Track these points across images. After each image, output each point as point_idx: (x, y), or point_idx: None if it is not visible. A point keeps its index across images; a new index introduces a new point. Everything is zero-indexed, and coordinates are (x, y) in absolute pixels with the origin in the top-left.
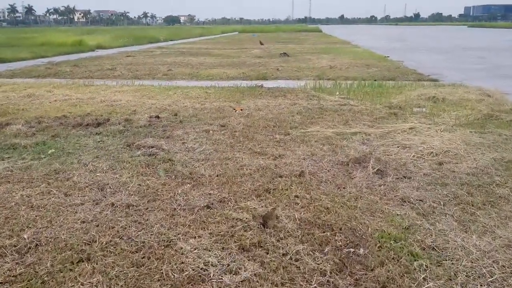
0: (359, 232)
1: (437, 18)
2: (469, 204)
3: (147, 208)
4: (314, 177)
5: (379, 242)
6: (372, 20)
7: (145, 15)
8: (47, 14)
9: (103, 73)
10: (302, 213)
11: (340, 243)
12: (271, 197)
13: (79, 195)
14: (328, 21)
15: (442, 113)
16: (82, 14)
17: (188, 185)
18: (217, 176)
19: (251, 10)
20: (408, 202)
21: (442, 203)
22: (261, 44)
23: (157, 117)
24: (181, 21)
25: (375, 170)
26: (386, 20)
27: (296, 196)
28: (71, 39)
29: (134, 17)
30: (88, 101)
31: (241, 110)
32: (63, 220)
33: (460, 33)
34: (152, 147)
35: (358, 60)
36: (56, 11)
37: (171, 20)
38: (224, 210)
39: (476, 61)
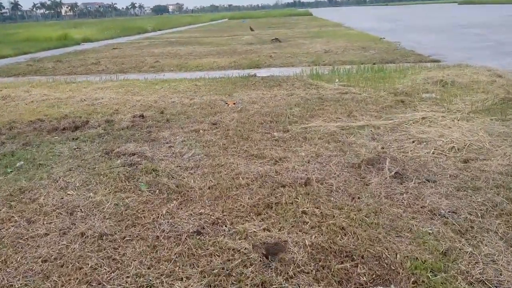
0: (386, 261)
1: None
2: None
3: (124, 238)
4: (322, 185)
5: (413, 275)
6: (361, 2)
7: (133, 5)
8: (34, 9)
9: (87, 68)
10: (313, 236)
11: (365, 278)
12: (273, 215)
13: (45, 222)
14: (317, 4)
15: (454, 99)
16: (69, 8)
17: (175, 202)
18: (209, 188)
19: None
20: (439, 215)
21: (480, 215)
22: (252, 30)
23: (142, 116)
24: (170, 10)
25: (393, 173)
26: (376, 0)
27: (304, 213)
28: (56, 34)
29: (122, 8)
30: (67, 100)
31: (234, 104)
32: (20, 260)
33: (452, 11)
34: (134, 154)
35: (354, 42)
36: (42, 5)
37: (159, 10)
38: (218, 237)
39: (476, 38)
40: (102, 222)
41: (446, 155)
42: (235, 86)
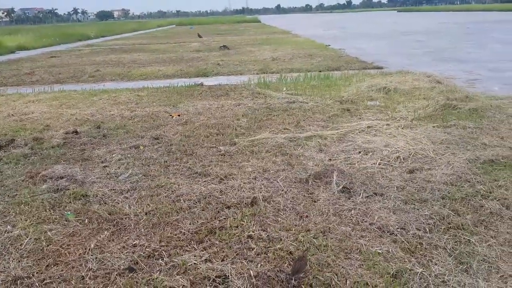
0: None
1: (368, 4)
2: (460, 227)
3: (43, 280)
4: (269, 204)
5: None
6: (307, 9)
7: (75, 11)
8: None
9: (19, 78)
10: (259, 264)
11: None
12: (217, 242)
13: None
14: (265, 11)
15: (398, 106)
16: (5, 13)
17: (106, 232)
18: (146, 214)
19: (188, 2)
20: (388, 232)
21: (428, 230)
22: (200, 37)
23: (75, 132)
24: (115, 16)
25: (341, 187)
26: (321, 8)
27: (250, 237)
28: None
29: (64, 13)
30: None
31: (179, 115)
32: None
33: (392, 18)
34: (62, 177)
35: (300, 50)
36: None
37: (104, 16)
38: (153, 273)
39: (416, 45)
40: (18, 262)
41: (392, 166)
42: (180, 96)
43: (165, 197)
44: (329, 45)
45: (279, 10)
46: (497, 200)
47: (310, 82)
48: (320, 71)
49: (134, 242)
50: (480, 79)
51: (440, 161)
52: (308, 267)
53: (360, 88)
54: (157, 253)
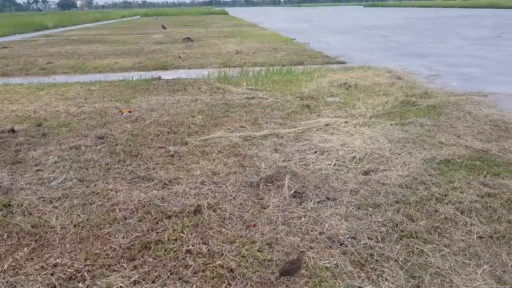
0: None
1: None
2: (413, 236)
3: None
4: (215, 212)
5: None
6: (276, 2)
7: (35, 0)
8: None
9: None
10: (195, 286)
11: None
12: (150, 259)
13: None
14: (234, 3)
15: (357, 102)
16: None
17: (26, 249)
18: (75, 227)
19: None
20: (338, 242)
21: (380, 239)
22: (164, 28)
23: (12, 131)
24: (78, 5)
25: (292, 191)
26: (289, 2)
27: (189, 252)
28: None
29: (24, 2)
30: None
31: (129, 112)
32: None
33: (358, 13)
34: None
35: (266, 43)
36: None
37: (66, 5)
38: None
39: (380, 40)
40: None
41: (347, 167)
42: (134, 91)
43: (99, 206)
44: (294, 39)
45: (248, 2)
46: (452, 204)
47: (272, 77)
48: (284, 66)
49: (56, 261)
50: (439, 74)
51: (396, 161)
52: (301, 270)
53: (321, 84)
54: (79, 274)
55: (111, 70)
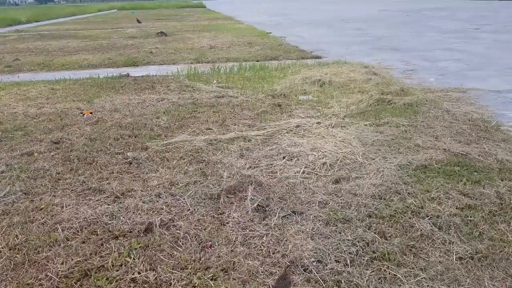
0: None
1: None
2: (385, 258)
3: None
4: (168, 230)
5: None
6: None
7: None
8: None
9: None
10: None
11: None
12: None
13: None
14: None
15: (331, 101)
16: None
17: None
18: (10, 250)
19: None
20: (302, 266)
21: (349, 262)
22: (139, 22)
23: None
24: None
25: (255, 205)
26: None
27: (134, 281)
28: None
29: None
30: None
31: (91, 113)
32: None
33: (335, 5)
34: None
35: (241, 37)
36: None
37: None
38: None
39: (356, 33)
40: None
41: (317, 174)
42: (100, 90)
43: (41, 224)
44: (270, 33)
45: None
46: (429, 218)
47: (244, 74)
48: (258, 61)
49: None
50: (416, 69)
51: (369, 168)
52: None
53: (294, 81)
54: None
55: (79, 67)
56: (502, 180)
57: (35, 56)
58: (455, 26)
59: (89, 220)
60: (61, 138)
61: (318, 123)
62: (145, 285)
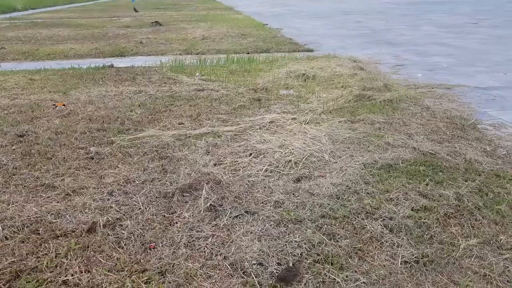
0: None
1: None
2: (328, 261)
3: None
4: (113, 230)
5: None
6: None
7: None
8: None
9: None
10: None
11: None
12: None
13: None
14: None
15: (312, 96)
16: None
17: None
18: None
19: None
20: (241, 269)
21: (291, 265)
22: (136, 11)
23: None
24: None
25: (208, 204)
26: None
27: (65, 283)
28: None
29: None
30: None
31: (64, 105)
32: None
33: None
34: None
35: (236, 28)
36: None
37: None
38: None
39: (354, 26)
40: None
41: (280, 172)
42: (79, 81)
43: None
44: (267, 24)
45: None
46: (382, 220)
47: (230, 66)
48: (248, 53)
49: None
50: (406, 64)
51: (334, 166)
52: (298, 278)
53: (278, 75)
54: None
55: (64, 56)
56: (465, 181)
57: (22, 45)
58: (454, 21)
59: (32, 219)
60: (26, 131)
61: (294, 119)
62: None
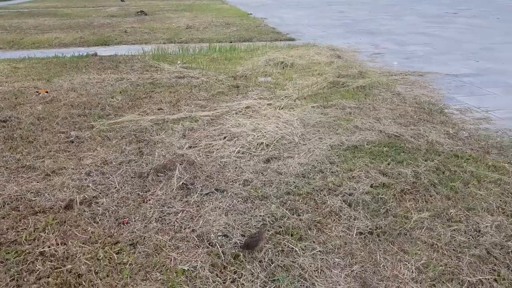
0: None
1: None
2: (289, 232)
3: None
4: (89, 207)
5: None
6: None
7: None
8: None
9: None
10: None
11: None
12: None
13: None
14: None
15: (288, 83)
16: None
17: None
18: None
19: None
20: (207, 240)
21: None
22: (122, 1)
23: None
24: None
25: (180, 183)
26: None
27: (42, 254)
28: None
29: None
30: None
31: (47, 92)
32: None
33: None
34: None
35: (220, 18)
36: None
37: None
38: None
39: (337, 15)
40: None
41: (251, 154)
42: (62, 69)
43: None
44: (251, 14)
45: None
46: (342, 196)
47: (212, 55)
48: (231, 42)
49: None
50: (384, 53)
51: (302, 148)
52: (262, 244)
53: (257, 62)
54: None
55: (49, 45)
56: (425, 161)
57: (7, 34)
58: (437, 11)
59: (13, 197)
60: (9, 117)
61: (269, 104)
62: (52, 258)
